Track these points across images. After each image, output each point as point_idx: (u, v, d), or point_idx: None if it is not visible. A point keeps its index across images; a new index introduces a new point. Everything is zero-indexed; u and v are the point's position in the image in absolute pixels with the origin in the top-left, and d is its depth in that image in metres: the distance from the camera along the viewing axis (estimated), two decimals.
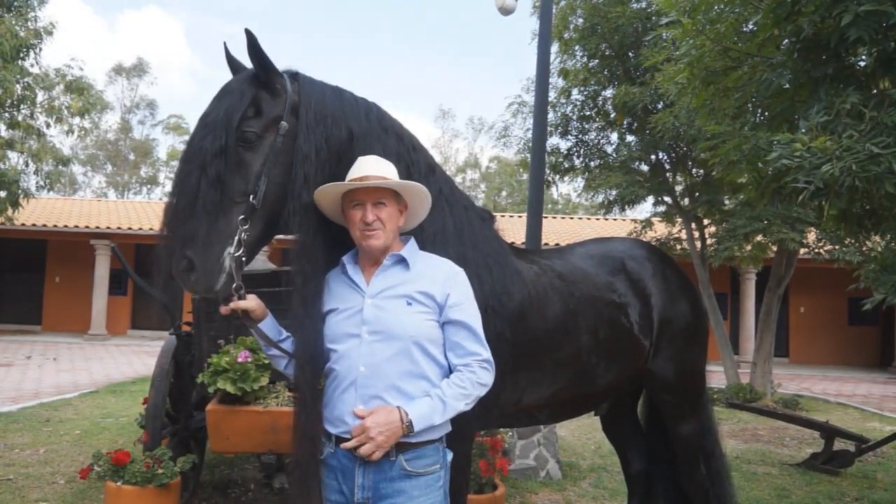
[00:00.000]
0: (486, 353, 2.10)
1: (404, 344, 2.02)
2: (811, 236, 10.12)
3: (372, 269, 2.15)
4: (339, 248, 2.22)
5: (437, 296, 2.08)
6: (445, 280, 2.11)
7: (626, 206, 11.66)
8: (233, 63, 2.28)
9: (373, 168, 2.13)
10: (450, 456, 2.15)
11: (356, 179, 2.10)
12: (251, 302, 2.10)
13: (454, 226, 2.45)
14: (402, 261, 2.14)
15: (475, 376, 2.05)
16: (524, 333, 2.59)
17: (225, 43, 2.26)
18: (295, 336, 2.16)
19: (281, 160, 2.14)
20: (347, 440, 2.03)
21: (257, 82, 2.16)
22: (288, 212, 2.13)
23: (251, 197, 2.07)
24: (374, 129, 2.31)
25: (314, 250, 2.14)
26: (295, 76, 2.26)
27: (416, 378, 2.03)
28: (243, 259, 2.06)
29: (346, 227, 2.17)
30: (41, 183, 15.89)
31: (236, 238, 2.04)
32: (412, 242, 2.23)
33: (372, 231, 2.08)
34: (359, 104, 2.33)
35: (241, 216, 2.05)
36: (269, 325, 2.18)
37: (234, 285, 2.04)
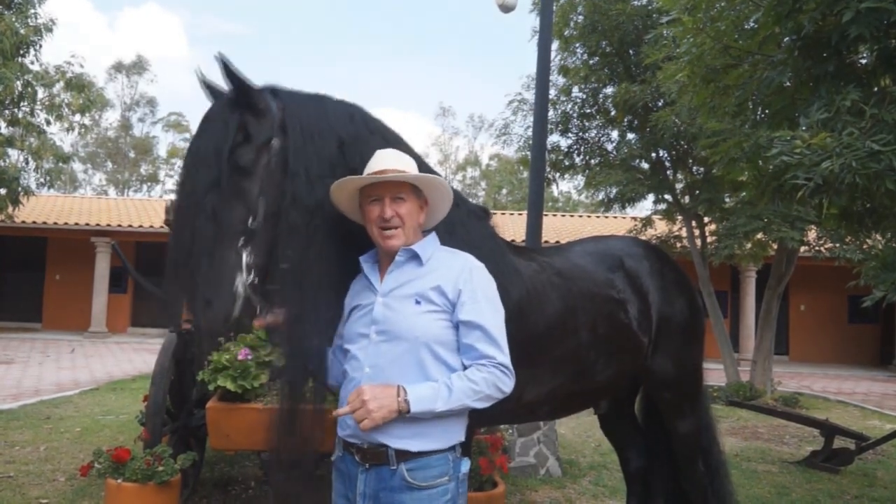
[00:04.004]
0: (503, 357, 1.96)
1: (410, 345, 1.94)
2: (811, 234, 10.12)
3: (389, 267, 2.08)
4: (345, 258, 2.16)
5: (449, 292, 1.97)
6: (458, 276, 2.00)
7: (627, 204, 11.67)
8: (211, 89, 2.18)
9: (392, 162, 2.05)
10: (465, 467, 2.04)
11: (373, 173, 2.02)
12: (277, 317, 2.06)
13: (445, 224, 2.36)
14: (414, 256, 2.05)
15: (492, 376, 1.92)
16: (523, 330, 2.57)
17: (198, 69, 2.16)
18: (284, 356, 2.12)
19: (277, 180, 2.08)
20: (352, 444, 1.98)
21: (240, 106, 2.07)
22: (279, 231, 2.07)
23: (250, 220, 2.02)
24: (362, 133, 2.25)
25: (301, 270, 2.06)
26: (274, 92, 2.19)
27: (422, 381, 1.92)
28: (256, 282, 2.01)
29: (365, 227, 2.09)
30: (41, 180, 15.92)
31: (243, 264, 1.99)
32: (432, 237, 2.15)
33: (391, 229, 2.01)
34: (342, 110, 2.27)
35: (243, 240, 2.01)
36: None
37: (258, 309, 2.01)
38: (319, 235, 2.11)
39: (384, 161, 2.06)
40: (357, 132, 2.24)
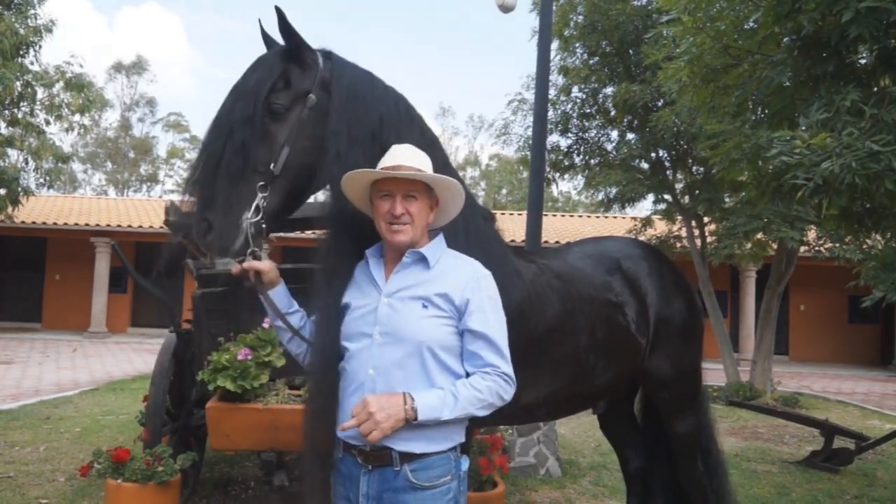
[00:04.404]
0: (507, 367, 1.97)
1: (414, 349, 1.92)
2: (811, 234, 10.12)
3: (394, 266, 2.05)
4: (366, 241, 2.16)
5: (456, 300, 1.96)
6: (466, 284, 1.99)
7: (627, 204, 11.68)
8: (267, 40, 2.32)
9: (407, 158, 2.03)
10: (465, 465, 2.04)
11: (388, 168, 2.00)
12: (265, 263, 2.08)
13: (464, 224, 2.37)
14: (422, 259, 2.03)
15: (495, 385, 1.93)
16: (523, 333, 2.56)
17: (259, 20, 2.33)
18: (313, 332, 2.11)
19: (307, 132, 2.16)
20: (354, 446, 1.96)
21: (289, 56, 2.20)
22: (316, 185, 2.17)
23: (272, 165, 2.10)
24: (403, 118, 2.31)
25: (340, 220, 2.14)
26: (328, 55, 2.29)
27: (424, 386, 1.91)
28: (263, 226, 2.08)
29: (372, 219, 2.08)
30: (41, 180, 15.91)
31: (254, 204, 2.06)
32: (439, 239, 2.12)
33: (400, 225, 1.98)
34: (389, 91, 2.35)
35: (261, 183, 2.08)
36: (280, 294, 2.14)
37: (250, 250, 2.05)
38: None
39: (399, 157, 2.04)
40: (399, 115, 2.30)
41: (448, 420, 1.90)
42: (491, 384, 1.93)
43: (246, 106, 2.09)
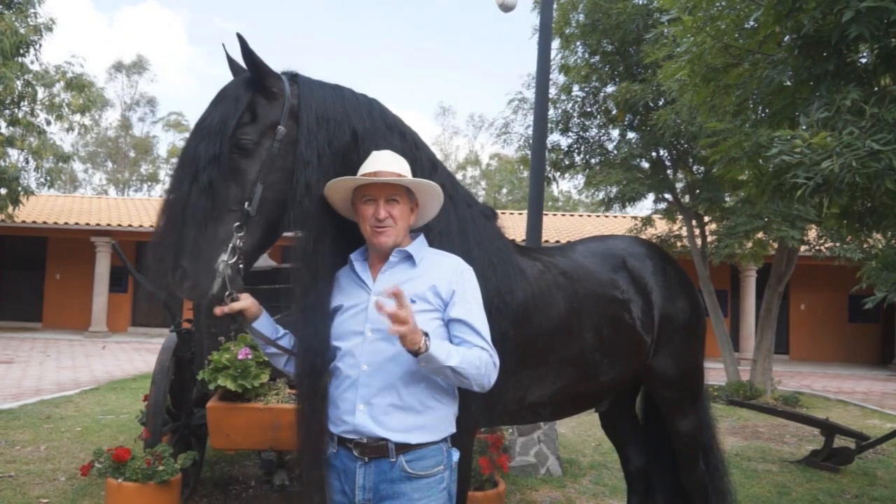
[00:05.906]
0: (492, 351, 2.04)
1: None
2: (812, 234, 10.11)
3: (380, 266, 2.12)
4: (348, 248, 2.19)
5: (443, 292, 2.04)
6: (451, 276, 2.07)
7: (627, 204, 11.65)
8: (234, 65, 2.24)
9: (387, 163, 2.09)
10: (456, 456, 2.10)
11: (369, 174, 2.06)
12: (245, 301, 2.07)
13: (458, 223, 2.41)
14: (408, 257, 2.11)
15: (487, 360, 1.98)
16: (528, 331, 2.58)
17: (224, 45, 2.22)
18: (296, 344, 2.14)
19: (278, 165, 2.10)
20: (349, 440, 2.00)
21: (254, 86, 2.12)
22: (289, 219, 2.10)
23: (246, 204, 2.05)
24: (379, 128, 2.28)
25: (315, 259, 2.10)
26: (294, 78, 2.22)
27: (417, 379, 1.98)
28: (241, 265, 2.04)
29: (356, 222, 2.13)
30: (41, 180, 15.88)
31: (230, 245, 2.01)
32: (421, 238, 2.19)
33: (383, 228, 2.05)
34: (360, 102, 2.29)
35: (237, 223, 2.03)
36: (264, 324, 2.15)
37: (227, 292, 2.01)
38: (332, 225, 2.15)
39: (380, 162, 2.09)
40: (374, 126, 2.26)
41: (440, 409, 2.00)
42: (485, 357, 1.98)
43: (211, 144, 2.01)
